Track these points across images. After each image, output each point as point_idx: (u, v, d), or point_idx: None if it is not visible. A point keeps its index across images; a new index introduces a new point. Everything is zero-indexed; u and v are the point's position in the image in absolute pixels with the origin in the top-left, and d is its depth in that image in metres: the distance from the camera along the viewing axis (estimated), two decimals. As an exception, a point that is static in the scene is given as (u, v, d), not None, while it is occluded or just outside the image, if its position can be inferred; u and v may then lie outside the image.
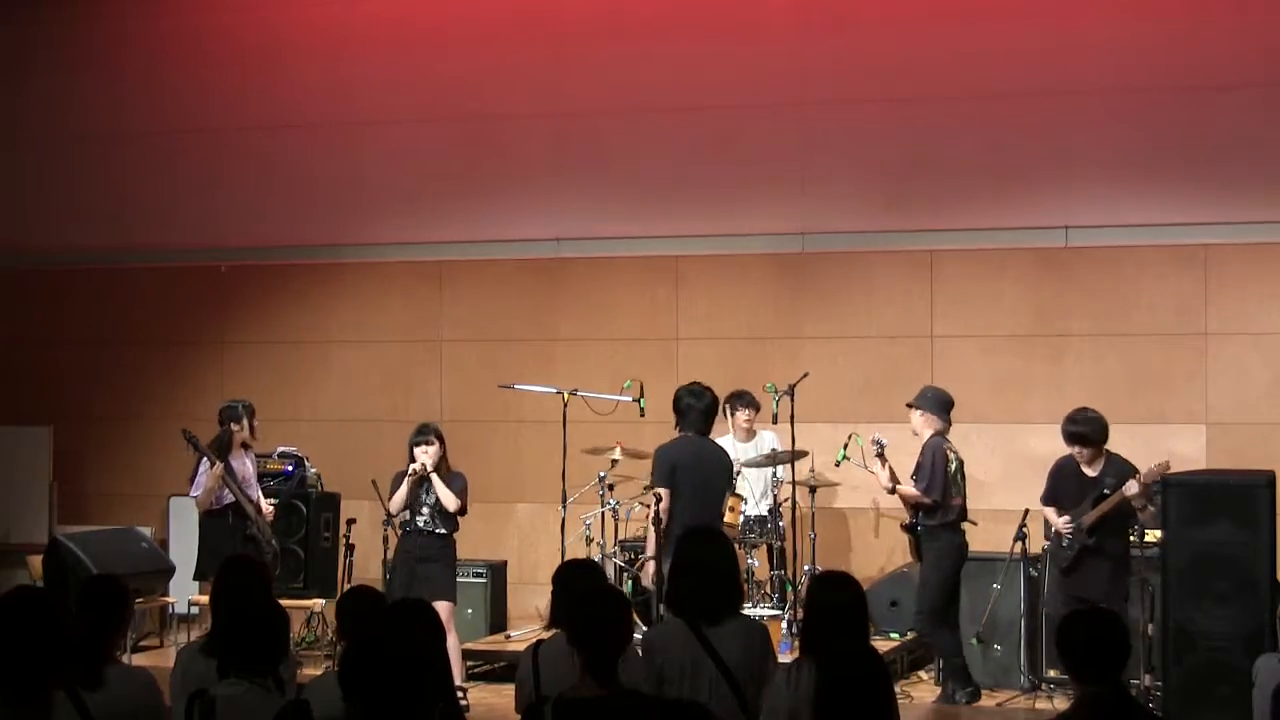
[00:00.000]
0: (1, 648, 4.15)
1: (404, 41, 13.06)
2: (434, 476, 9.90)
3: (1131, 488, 9.33)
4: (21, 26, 13.90)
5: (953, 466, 10.19)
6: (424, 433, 10.04)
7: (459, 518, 10.03)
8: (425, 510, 9.97)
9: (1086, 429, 9.62)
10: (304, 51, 13.27)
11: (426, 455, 9.92)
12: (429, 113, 12.99)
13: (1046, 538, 10.07)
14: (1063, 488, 9.74)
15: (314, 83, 13.22)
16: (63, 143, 13.78)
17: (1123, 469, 9.56)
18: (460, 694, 9.98)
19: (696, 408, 9.45)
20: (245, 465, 10.77)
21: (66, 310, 13.84)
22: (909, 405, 10.43)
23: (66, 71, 13.76)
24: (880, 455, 10.32)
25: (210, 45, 13.49)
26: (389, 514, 10.00)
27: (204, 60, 13.47)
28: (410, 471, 9.93)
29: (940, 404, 10.39)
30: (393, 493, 9.99)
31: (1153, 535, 9.71)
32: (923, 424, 10.35)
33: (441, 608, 9.71)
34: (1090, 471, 9.63)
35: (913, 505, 10.28)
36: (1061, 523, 9.64)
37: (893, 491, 10.37)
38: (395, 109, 13.06)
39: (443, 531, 9.99)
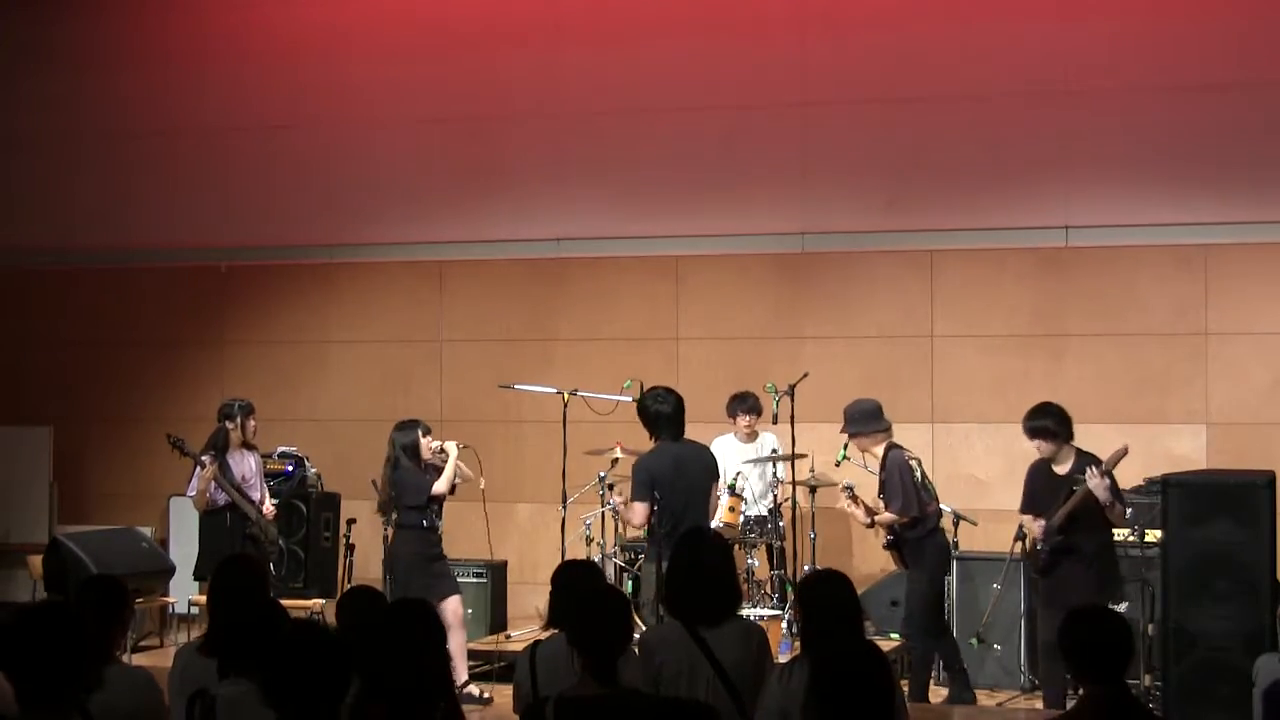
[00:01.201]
0: (32, 663, 4.26)
1: (404, 41, 13.05)
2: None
3: (1091, 478, 9.07)
4: (21, 26, 13.89)
5: (917, 475, 10.08)
6: (423, 425, 10.21)
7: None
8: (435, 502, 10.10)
9: (1047, 420, 9.34)
10: (304, 51, 13.27)
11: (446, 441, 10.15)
12: (429, 113, 12.98)
13: (1017, 542, 9.66)
14: (1037, 491, 9.48)
15: (314, 83, 13.22)
16: (63, 143, 13.78)
17: (1092, 464, 9.23)
18: (476, 690, 10.05)
19: (665, 413, 9.16)
20: (247, 465, 10.74)
21: (67, 310, 13.84)
22: (843, 432, 10.28)
23: (66, 71, 13.75)
24: (852, 498, 10.28)
25: (210, 45, 13.49)
26: (431, 498, 10.00)
27: (204, 60, 13.47)
28: (457, 448, 10.08)
29: (867, 416, 10.20)
30: (399, 484, 10.02)
31: (1153, 535, 9.69)
32: (867, 444, 10.23)
33: (453, 603, 9.81)
34: (1060, 470, 9.37)
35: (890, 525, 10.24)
36: (1036, 527, 9.36)
37: (871, 525, 10.36)
38: (395, 109, 13.06)
39: (440, 523, 10.12)
